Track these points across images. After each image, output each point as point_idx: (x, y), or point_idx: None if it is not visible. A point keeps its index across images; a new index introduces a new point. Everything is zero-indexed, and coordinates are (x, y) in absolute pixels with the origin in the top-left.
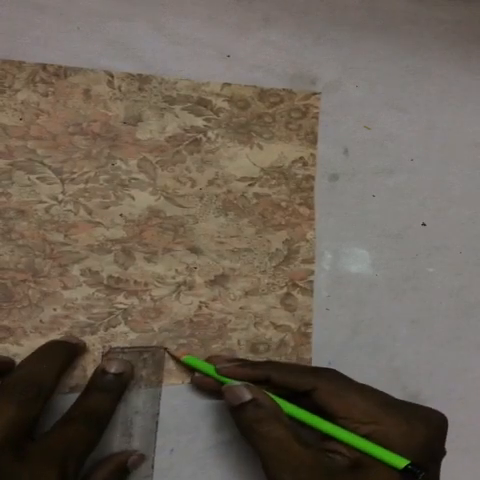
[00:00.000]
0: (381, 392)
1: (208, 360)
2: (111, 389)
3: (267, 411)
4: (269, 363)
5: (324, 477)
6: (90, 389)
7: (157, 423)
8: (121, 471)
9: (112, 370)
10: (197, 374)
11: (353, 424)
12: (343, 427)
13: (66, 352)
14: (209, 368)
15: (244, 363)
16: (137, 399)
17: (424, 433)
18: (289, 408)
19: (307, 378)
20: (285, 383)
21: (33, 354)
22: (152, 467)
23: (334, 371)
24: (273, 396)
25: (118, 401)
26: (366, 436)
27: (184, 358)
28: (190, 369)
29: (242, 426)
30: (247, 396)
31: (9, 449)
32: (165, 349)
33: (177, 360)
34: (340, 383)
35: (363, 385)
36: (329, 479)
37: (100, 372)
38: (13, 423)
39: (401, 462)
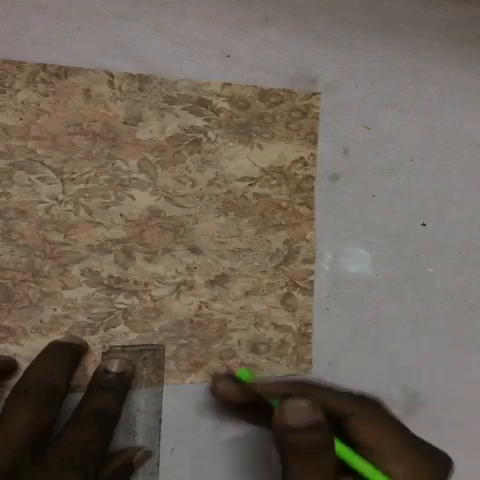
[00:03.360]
0: (404, 425)
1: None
2: (115, 388)
3: (328, 436)
4: (308, 382)
5: None
6: (94, 389)
7: (160, 420)
8: (127, 468)
9: (114, 369)
10: (220, 383)
11: (378, 458)
12: (367, 459)
13: (72, 353)
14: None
15: (282, 381)
16: (139, 397)
17: (439, 478)
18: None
19: (347, 403)
20: (325, 406)
21: (41, 357)
22: (158, 464)
23: (375, 399)
24: None
25: (123, 400)
26: (388, 474)
27: (240, 372)
28: (190, 369)
29: (294, 449)
30: (315, 417)
31: (29, 453)
32: (225, 365)
33: (232, 374)
34: (379, 413)
35: (398, 420)
36: None
37: (102, 372)
38: (31, 428)
39: None
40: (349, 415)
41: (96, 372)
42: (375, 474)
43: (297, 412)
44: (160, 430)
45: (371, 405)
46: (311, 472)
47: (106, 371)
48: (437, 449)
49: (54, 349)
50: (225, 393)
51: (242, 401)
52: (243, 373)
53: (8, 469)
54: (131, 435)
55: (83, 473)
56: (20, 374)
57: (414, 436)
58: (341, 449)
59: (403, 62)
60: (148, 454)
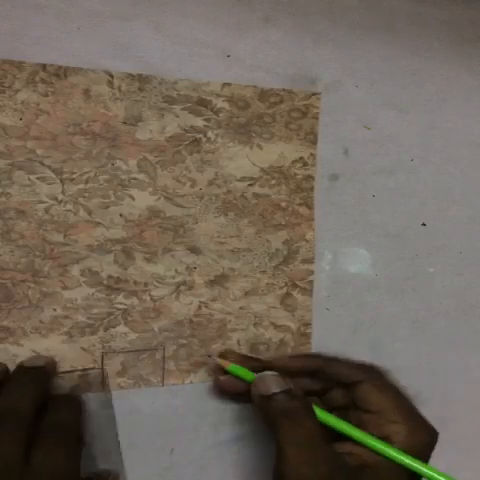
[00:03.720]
0: (407, 397)
1: (222, 356)
2: (68, 402)
3: (302, 403)
4: (318, 355)
5: (342, 477)
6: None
7: (118, 442)
8: None
9: (29, 364)
10: (223, 377)
11: (382, 420)
12: (370, 421)
13: (36, 376)
14: (251, 375)
15: (295, 354)
16: (90, 424)
17: (428, 445)
18: (323, 415)
19: (357, 371)
20: (336, 373)
21: (6, 384)
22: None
23: (381, 368)
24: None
25: (79, 414)
26: (389, 435)
27: (229, 367)
28: (190, 369)
29: (271, 414)
30: (283, 386)
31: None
32: (209, 356)
33: (221, 368)
34: (385, 381)
35: (400, 387)
36: (343, 478)
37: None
38: (1, 455)
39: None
40: (358, 381)
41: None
42: (365, 436)
43: (268, 382)
44: (120, 448)
45: (378, 373)
46: (293, 434)
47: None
48: (425, 419)
49: (18, 375)
50: (229, 385)
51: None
52: (234, 369)
53: None
54: (92, 461)
55: None
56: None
57: (412, 404)
58: (328, 417)
59: (403, 62)
60: (117, 477)
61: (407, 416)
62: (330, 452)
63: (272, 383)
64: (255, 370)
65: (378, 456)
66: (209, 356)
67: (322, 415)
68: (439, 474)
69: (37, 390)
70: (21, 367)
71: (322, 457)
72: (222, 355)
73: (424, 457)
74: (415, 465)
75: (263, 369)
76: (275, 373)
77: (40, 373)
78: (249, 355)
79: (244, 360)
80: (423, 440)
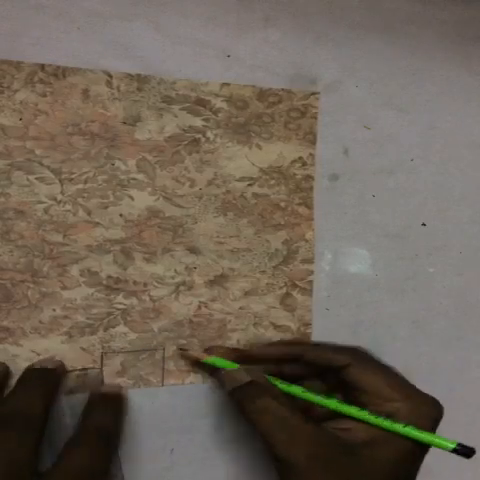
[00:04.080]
0: (397, 371)
1: (208, 351)
2: (112, 410)
3: (261, 389)
4: (301, 342)
5: (332, 452)
6: (90, 411)
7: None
8: None
9: (108, 392)
10: (224, 371)
11: (379, 400)
12: (368, 403)
13: (48, 379)
14: (234, 365)
15: (273, 343)
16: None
17: (432, 418)
18: (294, 389)
19: (341, 354)
20: (320, 359)
21: (17, 386)
22: None
23: (366, 350)
24: (280, 380)
25: (122, 423)
26: (390, 413)
27: (206, 359)
28: (190, 369)
29: (239, 407)
30: (246, 378)
31: None
32: (181, 349)
33: (196, 361)
34: (372, 361)
35: (389, 366)
36: (337, 454)
37: (96, 396)
38: (11, 459)
39: (449, 443)
40: (346, 365)
41: (90, 398)
42: (342, 406)
43: (229, 378)
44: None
45: (364, 354)
46: (266, 422)
47: (101, 395)
48: (428, 394)
49: (29, 377)
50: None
51: None
52: (213, 360)
53: None
54: None
55: None
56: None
57: (406, 381)
58: (313, 397)
59: (403, 62)
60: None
61: (405, 393)
62: (315, 430)
63: (236, 377)
64: (238, 361)
65: (376, 430)
66: (180, 349)
67: (306, 396)
68: (436, 437)
69: (49, 392)
70: (32, 369)
71: (305, 436)
72: (208, 350)
73: (430, 430)
74: (414, 432)
75: (245, 359)
76: (239, 367)
77: (51, 375)
78: (232, 347)
79: (228, 353)
80: (427, 414)
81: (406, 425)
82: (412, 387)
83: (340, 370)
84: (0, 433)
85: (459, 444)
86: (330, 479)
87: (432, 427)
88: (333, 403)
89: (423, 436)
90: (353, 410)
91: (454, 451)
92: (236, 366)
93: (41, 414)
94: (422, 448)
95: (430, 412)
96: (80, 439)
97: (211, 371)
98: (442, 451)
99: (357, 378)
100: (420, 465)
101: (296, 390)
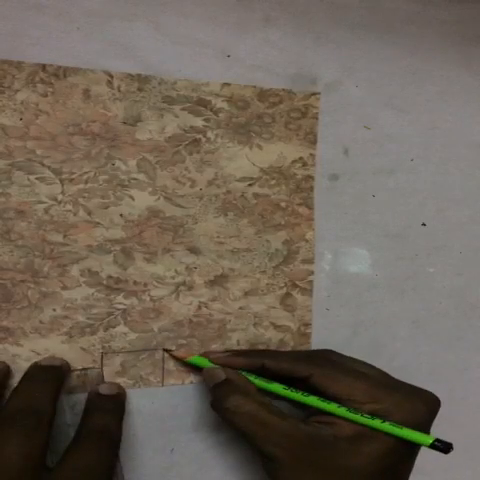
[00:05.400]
0: (377, 370)
1: (204, 355)
2: (112, 410)
3: (235, 388)
4: (263, 351)
5: (310, 446)
6: (91, 411)
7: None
8: None
9: (106, 392)
10: (205, 369)
11: (355, 404)
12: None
13: (54, 375)
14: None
15: (238, 352)
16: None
17: (423, 412)
18: (277, 388)
19: (301, 365)
20: (280, 370)
21: (23, 382)
22: None
23: (329, 353)
24: (260, 378)
25: (122, 422)
26: (371, 413)
27: (190, 359)
28: (190, 369)
29: (214, 406)
30: (222, 376)
31: (30, 479)
32: (165, 350)
33: (180, 361)
34: (335, 367)
35: (358, 365)
36: (316, 449)
37: (95, 395)
38: (23, 453)
39: (427, 438)
40: (307, 376)
41: (89, 396)
42: (322, 403)
43: (206, 376)
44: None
45: (324, 361)
46: (242, 419)
47: (99, 395)
48: (424, 389)
49: (36, 373)
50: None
51: None
52: (196, 359)
53: None
54: None
55: None
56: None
57: (389, 378)
58: (291, 394)
59: (403, 62)
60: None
61: (381, 393)
62: (291, 426)
63: (213, 375)
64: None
65: (360, 425)
66: (165, 350)
67: (286, 393)
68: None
69: (56, 389)
70: (38, 366)
71: (280, 432)
72: (204, 354)
73: (424, 425)
74: (390, 428)
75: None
76: (218, 366)
77: (57, 372)
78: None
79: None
80: (411, 409)
81: (383, 421)
82: (392, 386)
83: (304, 380)
84: (12, 428)
85: (437, 439)
86: (312, 473)
87: (420, 422)
88: (314, 400)
89: (399, 431)
90: (333, 407)
91: (432, 447)
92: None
93: (50, 410)
94: (408, 445)
95: (414, 407)
96: (84, 438)
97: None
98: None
99: (323, 387)
100: (411, 464)
101: (276, 387)
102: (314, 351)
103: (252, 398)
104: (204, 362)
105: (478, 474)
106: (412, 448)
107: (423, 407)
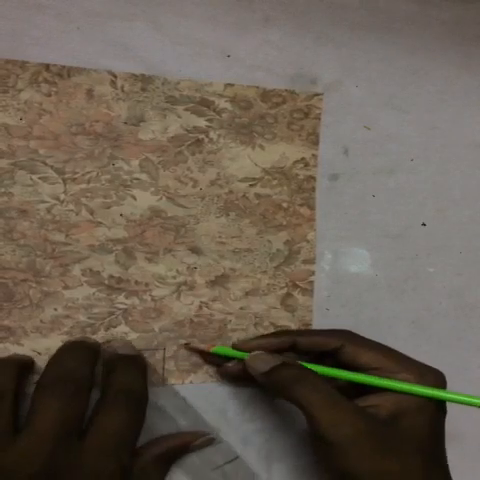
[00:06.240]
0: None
1: (233, 347)
2: (136, 369)
3: (303, 369)
4: (289, 331)
5: (377, 427)
6: (114, 371)
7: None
8: (181, 450)
9: (126, 352)
10: (230, 363)
11: (386, 374)
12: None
13: (90, 349)
14: (240, 353)
15: (265, 335)
16: None
17: (440, 384)
18: (324, 369)
19: (334, 337)
20: (312, 345)
21: (61, 353)
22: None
23: (348, 331)
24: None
25: (146, 381)
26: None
27: (214, 349)
28: (190, 369)
29: (281, 386)
30: (277, 360)
31: (63, 444)
32: (186, 345)
33: (203, 353)
34: (364, 339)
35: (382, 344)
36: (381, 428)
37: (115, 356)
38: (62, 419)
39: (477, 399)
40: (339, 346)
41: (109, 358)
42: (375, 379)
43: (263, 359)
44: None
45: (354, 334)
46: (312, 399)
47: (119, 355)
48: (428, 365)
49: (72, 345)
50: (231, 370)
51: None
52: (220, 349)
53: (44, 461)
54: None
55: (120, 462)
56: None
57: (405, 354)
58: (339, 373)
59: (403, 62)
60: (211, 441)
61: (406, 363)
62: (357, 407)
63: (266, 360)
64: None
65: (403, 401)
66: (187, 344)
67: (332, 372)
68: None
69: (93, 356)
70: (73, 340)
71: (351, 413)
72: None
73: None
74: (444, 395)
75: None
76: (262, 351)
77: (93, 344)
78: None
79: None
80: (434, 382)
81: (434, 388)
82: (411, 359)
83: (335, 353)
84: (51, 395)
85: None
86: (374, 453)
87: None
88: (367, 378)
89: (452, 396)
90: (385, 382)
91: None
92: (246, 355)
93: (89, 376)
94: (444, 411)
95: (436, 380)
96: (111, 400)
97: (217, 365)
98: None
99: (354, 357)
100: (445, 429)
101: (325, 369)
102: (334, 329)
103: (322, 380)
104: (229, 351)
105: (479, 475)
106: (445, 414)
107: (439, 380)
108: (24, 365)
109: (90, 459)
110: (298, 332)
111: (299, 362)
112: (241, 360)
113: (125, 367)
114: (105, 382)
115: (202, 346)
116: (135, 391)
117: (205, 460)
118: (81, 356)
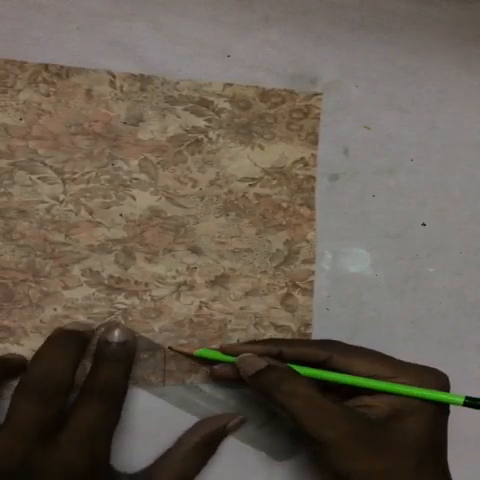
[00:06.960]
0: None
1: (220, 350)
2: (119, 358)
3: (285, 373)
4: (277, 339)
5: (363, 428)
6: (98, 361)
7: None
8: (218, 434)
9: (115, 339)
10: (216, 366)
11: (382, 380)
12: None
13: (77, 342)
14: (226, 356)
15: (253, 341)
16: None
17: (442, 385)
18: (313, 372)
19: (321, 348)
20: (299, 355)
21: (45, 347)
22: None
23: (337, 341)
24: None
25: (129, 370)
26: None
27: (196, 352)
28: (191, 369)
29: (265, 390)
30: (263, 363)
31: (39, 442)
32: (169, 348)
33: (188, 356)
34: (352, 348)
35: (368, 349)
36: (369, 429)
37: (103, 343)
38: (39, 421)
39: (458, 398)
40: (329, 357)
41: (98, 344)
42: (366, 381)
43: (249, 362)
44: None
45: (342, 344)
46: (294, 404)
47: (107, 342)
48: (428, 366)
49: (58, 338)
50: (221, 372)
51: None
52: (202, 352)
53: (20, 459)
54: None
55: (92, 454)
56: None
57: (399, 360)
58: (332, 375)
59: (403, 62)
60: (244, 421)
61: (402, 369)
62: (342, 409)
63: (253, 362)
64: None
65: (397, 402)
66: (169, 348)
67: (326, 375)
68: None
69: (76, 355)
70: (61, 330)
71: (334, 415)
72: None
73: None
74: (433, 394)
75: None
76: (251, 354)
77: (80, 338)
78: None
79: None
80: (434, 383)
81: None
82: (407, 363)
83: (323, 364)
84: (29, 397)
85: (467, 397)
86: (365, 454)
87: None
88: (358, 380)
89: (430, 394)
90: (379, 384)
91: (465, 405)
92: (231, 358)
93: (68, 378)
94: (445, 412)
95: (437, 381)
96: (87, 394)
97: (209, 366)
98: None
99: (346, 366)
100: (447, 430)
101: (314, 372)
102: (322, 339)
103: (304, 382)
104: (212, 354)
105: (479, 475)
106: (446, 414)
107: (440, 380)
108: (10, 365)
109: (63, 451)
110: (286, 342)
111: (287, 364)
112: (227, 363)
113: (106, 360)
114: (88, 373)
115: (186, 349)
116: (112, 384)
117: None
118: (65, 353)
